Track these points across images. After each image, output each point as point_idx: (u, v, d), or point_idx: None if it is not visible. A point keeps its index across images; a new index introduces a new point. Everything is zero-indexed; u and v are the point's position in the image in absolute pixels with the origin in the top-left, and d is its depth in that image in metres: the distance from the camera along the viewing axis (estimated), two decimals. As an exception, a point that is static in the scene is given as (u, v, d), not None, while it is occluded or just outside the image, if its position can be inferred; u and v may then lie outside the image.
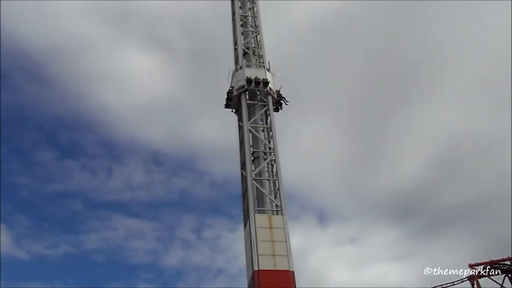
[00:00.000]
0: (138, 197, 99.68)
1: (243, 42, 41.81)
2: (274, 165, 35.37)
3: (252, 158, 36.08)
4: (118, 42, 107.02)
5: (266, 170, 35.56)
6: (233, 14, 44.36)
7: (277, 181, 34.29)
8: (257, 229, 31.19)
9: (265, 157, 36.07)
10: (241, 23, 43.22)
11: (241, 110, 37.56)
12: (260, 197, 33.82)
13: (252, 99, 38.08)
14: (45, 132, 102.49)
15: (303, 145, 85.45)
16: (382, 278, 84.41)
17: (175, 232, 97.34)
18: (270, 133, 37.02)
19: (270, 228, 31.69)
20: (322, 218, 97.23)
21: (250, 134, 36.78)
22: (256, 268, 29.43)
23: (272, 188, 34.84)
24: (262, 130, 37.57)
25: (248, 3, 44.64)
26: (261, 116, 37.70)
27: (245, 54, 41.50)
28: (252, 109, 37.92)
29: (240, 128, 37.81)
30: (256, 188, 33.74)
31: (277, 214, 32.76)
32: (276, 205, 33.29)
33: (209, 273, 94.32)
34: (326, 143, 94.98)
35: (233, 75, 39.76)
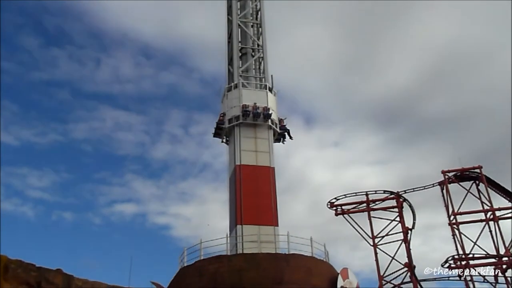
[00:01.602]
0: (126, 90, 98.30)
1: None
2: (262, 62, 35.02)
3: (240, 54, 35.54)
4: None
5: (254, 67, 35.20)
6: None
7: (264, 79, 34.15)
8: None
9: (253, 54, 35.52)
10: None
11: (233, 142, 31.34)
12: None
13: (247, 129, 31.34)
14: (29, 17, 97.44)
15: (294, 45, 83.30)
16: (360, 180, 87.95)
17: (163, 126, 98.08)
18: (260, 29, 36.08)
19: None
20: (309, 120, 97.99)
21: (239, 29, 35.87)
22: (238, 163, 30.40)
23: (258, 86, 34.76)
24: (252, 26, 36.58)
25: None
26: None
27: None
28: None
29: (229, 22, 36.67)
30: (242, 86, 33.59)
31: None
32: (261, 104, 33.34)
33: (195, 167, 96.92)
34: (316, 44, 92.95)
35: (225, 95, 32.72)
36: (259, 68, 35.05)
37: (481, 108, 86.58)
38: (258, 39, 35.82)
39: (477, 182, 36.90)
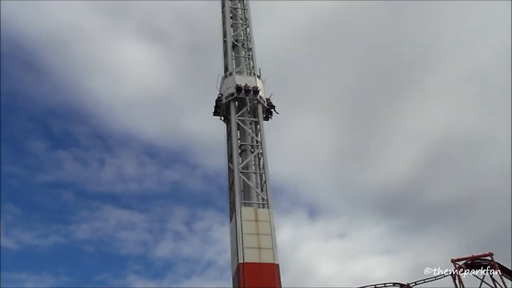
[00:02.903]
0: (130, 189, 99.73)
1: (232, 34, 41.64)
2: (261, 158, 35.50)
3: (240, 151, 36.20)
4: (112, 32, 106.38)
5: (253, 163, 35.62)
6: (223, 6, 44.31)
7: (263, 175, 34.38)
8: (243, 222, 31.30)
9: (252, 150, 36.16)
10: (231, 15, 43.20)
11: (230, 119, 36.48)
12: (246, 190, 33.87)
13: (241, 107, 37.03)
14: (37, 122, 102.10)
15: (294, 139, 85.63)
16: (368, 271, 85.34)
17: (166, 224, 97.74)
18: (258, 126, 37.12)
19: (256, 221, 31.82)
20: (312, 212, 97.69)
21: (238, 127, 36.83)
22: (241, 261, 29.58)
23: (259, 181, 34.94)
24: (250, 123, 37.67)
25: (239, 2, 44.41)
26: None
27: (234, 47, 41.24)
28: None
29: (228, 121, 37.85)
30: (242, 181, 33.77)
31: (263, 207, 32.88)
32: (263, 198, 33.37)
33: (199, 265, 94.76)
34: (317, 137, 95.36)
35: (222, 82, 38.87)
36: (259, 164, 35.55)
37: (484, 192, 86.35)
38: (257, 135, 36.71)
39: (490, 270, 35.72)
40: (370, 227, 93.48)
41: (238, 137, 36.66)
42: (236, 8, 43.81)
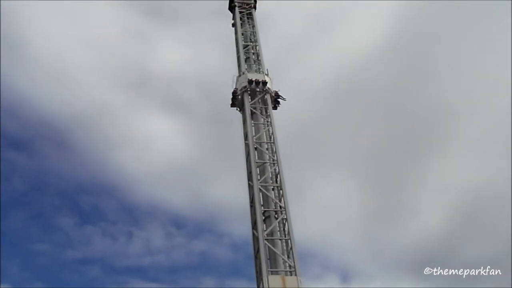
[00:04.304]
0: (157, 261, 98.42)
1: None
2: (286, 224, 34.94)
3: (264, 217, 35.71)
4: (137, 106, 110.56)
5: (278, 229, 34.92)
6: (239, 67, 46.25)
7: (289, 241, 33.68)
8: (270, 291, 30.40)
9: (276, 216, 35.63)
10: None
11: (244, 109, 41.80)
12: (272, 258, 32.85)
13: (253, 98, 42.55)
14: (66, 198, 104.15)
15: (320, 202, 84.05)
16: None
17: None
18: (281, 191, 36.84)
19: (284, 289, 30.84)
20: (345, 277, 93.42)
21: (261, 193, 36.67)
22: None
23: (285, 247, 34.18)
24: (273, 189, 37.39)
25: (254, 65, 46.93)
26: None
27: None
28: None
29: (250, 187, 37.73)
30: (268, 248, 33.05)
31: (291, 274, 31.90)
32: (290, 266, 32.38)
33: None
34: (343, 198, 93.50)
35: (237, 80, 45.25)
36: (284, 229, 34.91)
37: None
38: (280, 201, 36.34)
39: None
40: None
41: (262, 203, 36.52)
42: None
